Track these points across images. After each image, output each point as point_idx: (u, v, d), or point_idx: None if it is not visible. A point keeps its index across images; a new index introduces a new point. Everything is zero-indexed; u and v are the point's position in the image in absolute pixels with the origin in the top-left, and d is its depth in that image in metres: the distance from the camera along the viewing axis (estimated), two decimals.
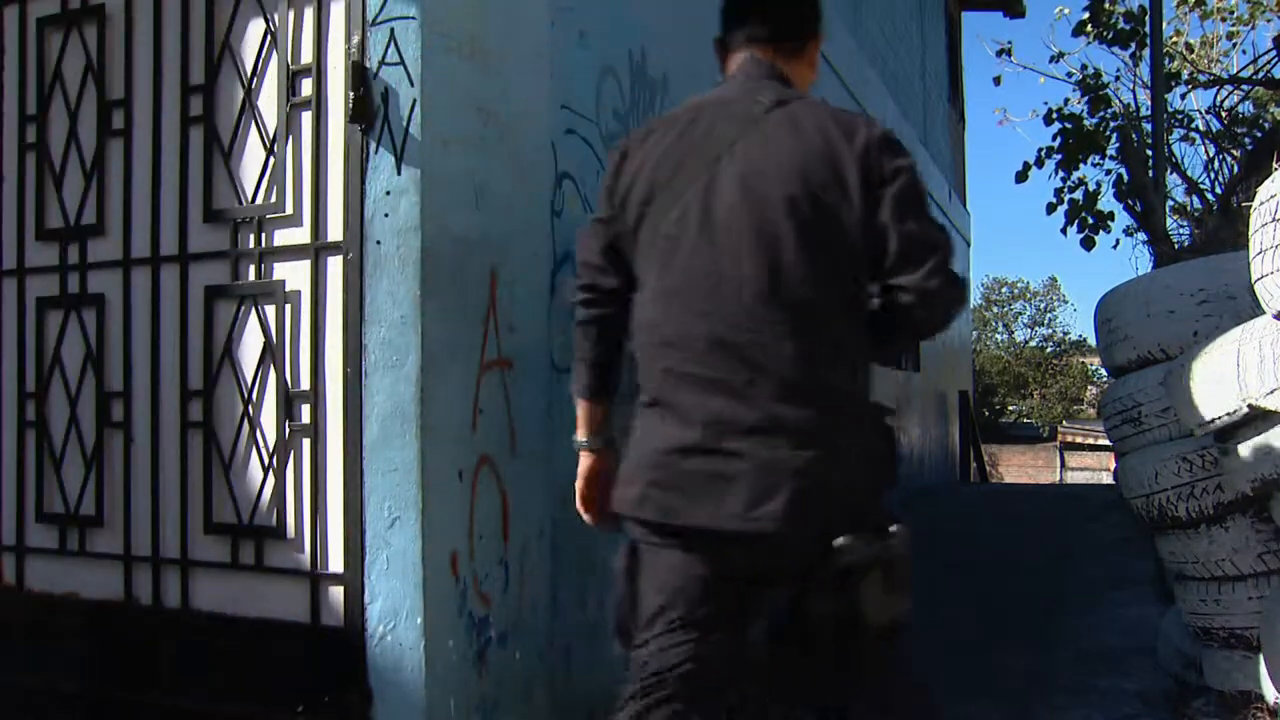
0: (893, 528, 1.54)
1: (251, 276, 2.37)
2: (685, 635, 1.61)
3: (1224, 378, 2.20)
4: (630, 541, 1.67)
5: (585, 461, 1.83)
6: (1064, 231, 8.80)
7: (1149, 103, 7.21)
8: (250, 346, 2.37)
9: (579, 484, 1.85)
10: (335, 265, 2.26)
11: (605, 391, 1.79)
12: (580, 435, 1.81)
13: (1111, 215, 8.76)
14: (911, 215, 1.58)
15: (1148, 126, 7.59)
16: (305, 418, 2.29)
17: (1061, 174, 8.83)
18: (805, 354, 1.54)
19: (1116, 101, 8.95)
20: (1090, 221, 8.70)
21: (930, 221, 1.62)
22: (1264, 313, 2.16)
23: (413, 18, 2.15)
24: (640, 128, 1.84)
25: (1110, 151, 8.78)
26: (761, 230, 1.56)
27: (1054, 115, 8.95)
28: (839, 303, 1.59)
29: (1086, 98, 8.91)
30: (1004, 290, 30.60)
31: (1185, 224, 8.87)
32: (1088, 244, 8.71)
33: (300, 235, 2.31)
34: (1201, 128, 8.99)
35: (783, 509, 1.49)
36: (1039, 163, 8.98)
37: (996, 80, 19.30)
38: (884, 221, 1.57)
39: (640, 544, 1.66)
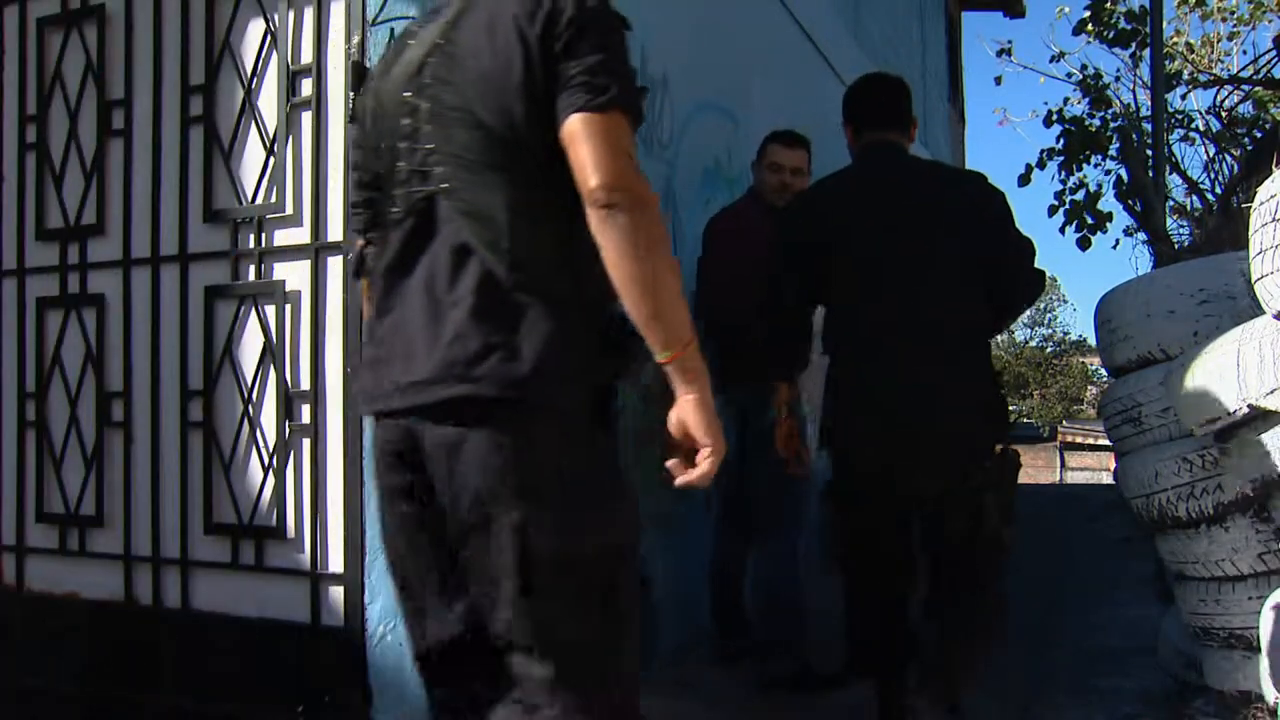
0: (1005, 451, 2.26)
1: (252, 276, 2.37)
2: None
3: (1224, 378, 2.19)
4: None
5: (790, 426, 2.52)
6: (1062, 231, 8.78)
7: (1149, 103, 7.20)
8: (250, 346, 2.38)
9: (794, 444, 2.53)
10: (335, 265, 2.27)
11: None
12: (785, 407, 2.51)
13: (1110, 215, 8.74)
14: (1013, 244, 2.38)
15: (1148, 126, 7.58)
16: (305, 417, 2.29)
17: (1062, 175, 8.81)
18: (959, 338, 2.28)
19: (1117, 102, 8.93)
20: (1089, 221, 8.67)
21: (1025, 243, 2.40)
22: (1264, 313, 2.15)
23: (413, 18, 2.15)
24: (813, 187, 2.69)
25: (1111, 152, 8.76)
26: (933, 259, 2.29)
27: (1054, 117, 8.94)
28: (979, 302, 2.33)
29: (1088, 98, 8.89)
30: None
31: (1185, 224, 8.85)
32: (1083, 244, 8.67)
33: (300, 235, 2.32)
34: (1201, 128, 8.96)
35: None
36: (1040, 164, 8.96)
37: (997, 80, 19.41)
38: (999, 248, 2.33)
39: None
